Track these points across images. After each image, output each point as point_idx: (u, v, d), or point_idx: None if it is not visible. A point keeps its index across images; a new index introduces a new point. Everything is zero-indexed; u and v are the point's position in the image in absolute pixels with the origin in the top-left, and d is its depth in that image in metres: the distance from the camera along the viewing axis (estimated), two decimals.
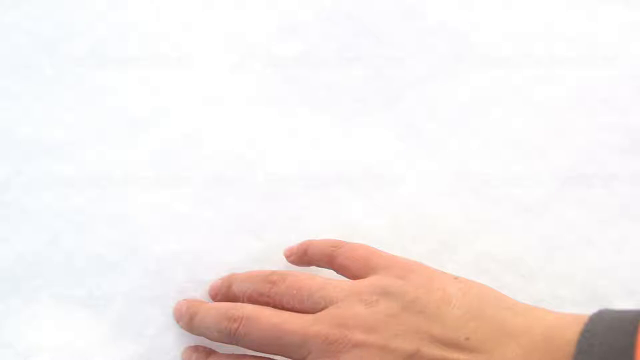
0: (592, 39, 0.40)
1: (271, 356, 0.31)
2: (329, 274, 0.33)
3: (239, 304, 0.32)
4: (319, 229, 0.36)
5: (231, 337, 0.31)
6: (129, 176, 0.37)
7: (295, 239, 0.35)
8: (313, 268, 0.34)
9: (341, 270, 0.33)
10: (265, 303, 0.32)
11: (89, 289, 0.36)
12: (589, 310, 0.26)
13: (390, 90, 0.39)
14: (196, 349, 0.34)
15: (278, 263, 0.36)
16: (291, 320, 0.30)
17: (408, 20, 0.40)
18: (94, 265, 0.36)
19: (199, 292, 0.36)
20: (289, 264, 0.35)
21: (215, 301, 0.35)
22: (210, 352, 0.34)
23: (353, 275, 0.32)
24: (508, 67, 0.39)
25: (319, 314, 0.30)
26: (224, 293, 0.34)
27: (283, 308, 0.31)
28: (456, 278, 0.30)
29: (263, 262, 0.36)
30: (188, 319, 0.34)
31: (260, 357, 0.32)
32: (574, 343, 0.25)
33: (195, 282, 0.36)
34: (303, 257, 0.35)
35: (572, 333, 0.25)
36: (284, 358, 0.30)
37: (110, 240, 0.36)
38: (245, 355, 0.32)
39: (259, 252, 0.36)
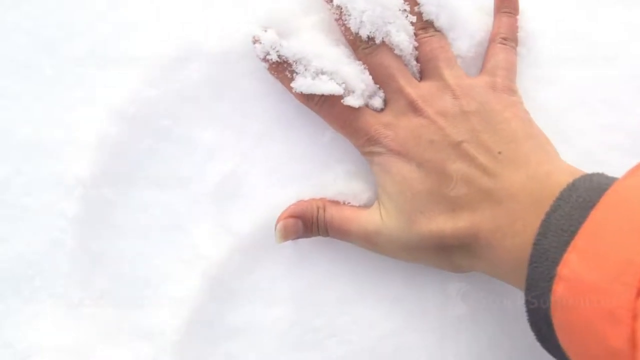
0: (592, 39, 0.40)
1: None
2: None
3: None
4: None
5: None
6: (129, 176, 0.37)
7: None
8: None
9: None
10: None
11: (89, 289, 0.36)
12: None
13: None
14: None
15: None
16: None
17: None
18: (94, 265, 0.36)
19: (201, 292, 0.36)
20: None
21: None
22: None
23: None
24: None
25: None
26: None
27: None
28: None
29: None
30: None
31: None
32: (560, 189, 0.29)
33: (196, 282, 0.36)
34: None
35: (564, 181, 0.29)
36: None
37: (111, 240, 0.36)
38: None
39: None
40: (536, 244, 0.28)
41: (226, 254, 0.36)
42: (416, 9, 0.36)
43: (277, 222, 0.35)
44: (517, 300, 0.37)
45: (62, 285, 0.36)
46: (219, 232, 0.37)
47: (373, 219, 0.35)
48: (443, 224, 0.32)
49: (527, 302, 0.29)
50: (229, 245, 0.36)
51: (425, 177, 0.33)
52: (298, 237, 0.36)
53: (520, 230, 0.29)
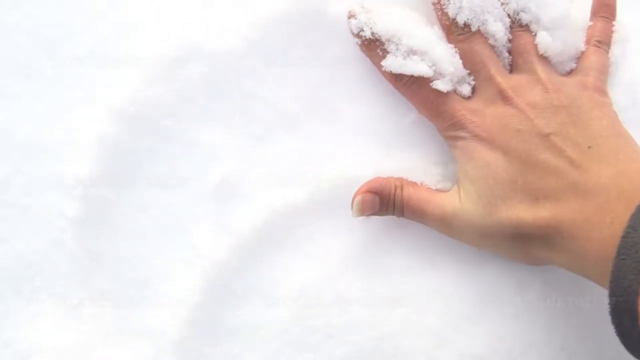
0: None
1: None
2: None
3: None
4: None
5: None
6: (129, 176, 0.37)
7: None
8: None
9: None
10: None
11: (89, 289, 0.36)
12: None
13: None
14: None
15: None
16: None
17: None
18: (94, 265, 0.36)
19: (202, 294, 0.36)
20: None
21: None
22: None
23: None
24: None
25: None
26: None
27: None
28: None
29: None
30: None
31: None
32: None
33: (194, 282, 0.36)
34: None
35: None
36: None
37: (111, 240, 0.36)
38: None
39: None
40: (625, 236, 0.28)
41: (226, 254, 0.36)
42: (514, 4, 0.37)
43: (355, 195, 0.36)
44: (517, 301, 0.37)
45: (62, 285, 0.36)
46: (219, 232, 0.37)
47: (451, 201, 0.35)
48: (524, 212, 0.32)
49: (611, 295, 0.28)
50: (229, 245, 0.36)
51: (509, 165, 0.33)
52: (373, 214, 0.36)
53: (609, 223, 0.30)
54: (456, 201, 0.35)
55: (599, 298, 0.36)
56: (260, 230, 0.37)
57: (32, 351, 0.35)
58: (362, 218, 0.37)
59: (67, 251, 0.36)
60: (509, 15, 0.37)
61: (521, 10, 0.37)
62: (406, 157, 0.38)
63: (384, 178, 0.37)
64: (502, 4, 0.36)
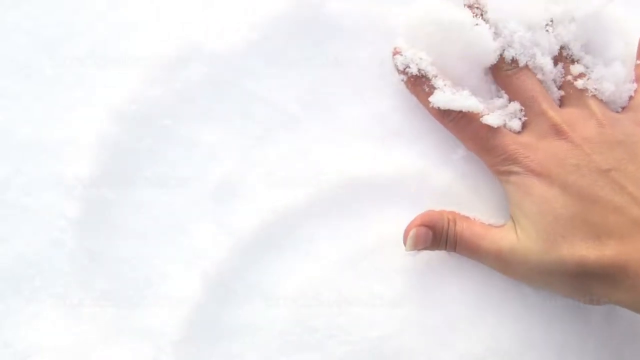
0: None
1: None
2: None
3: None
4: None
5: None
6: (129, 176, 0.37)
7: None
8: None
9: None
10: None
11: (89, 289, 0.36)
12: None
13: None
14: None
15: None
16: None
17: None
18: (94, 265, 0.36)
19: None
20: None
21: None
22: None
23: None
24: None
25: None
26: None
27: None
28: None
29: None
30: None
31: None
32: None
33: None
34: None
35: None
36: None
37: (111, 240, 0.36)
38: None
39: None
40: None
41: (226, 254, 0.36)
42: (565, 37, 0.36)
43: (408, 229, 0.35)
44: (517, 301, 0.37)
45: (62, 285, 0.36)
46: (219, 232, 0.37)
47: (508, 237, 0.34)
48: (586, 250, 0.32)
49: None
50: (229, 245, 0.36)
51: (569, 201, 0.33)
52: (425, 248, 0.35)
53: None
54: (513, 237, 0.34)
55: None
56: (260, 230, 0.37)
57: (32, 351, 0.35)
58: (365, 221, 0.37)
59: (67, 251, 0.36)
60: (561, 48, 0.36)
61: (572, 44, 0.36)
62: (406, 157, 0.38)
63: (437, 211, 0.36)
64: (548, 31, 0.36)
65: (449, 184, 0.37)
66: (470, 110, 0.35)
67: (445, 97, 0.35)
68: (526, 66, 0.36)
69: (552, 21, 0.36)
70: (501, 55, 0.36)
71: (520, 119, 0.36)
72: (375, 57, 0.38)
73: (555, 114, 0.34)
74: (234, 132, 0.38)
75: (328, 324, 0.36)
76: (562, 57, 0.36)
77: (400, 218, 0.37)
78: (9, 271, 0.36)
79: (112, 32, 0.38)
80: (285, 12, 0.38)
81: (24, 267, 0.36)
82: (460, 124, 0.36)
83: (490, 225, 0.36)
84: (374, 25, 0.38)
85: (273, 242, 0.36)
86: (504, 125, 0.35)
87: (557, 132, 0.34)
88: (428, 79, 0.36)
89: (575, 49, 0.36)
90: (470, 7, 0.36)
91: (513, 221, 0.35)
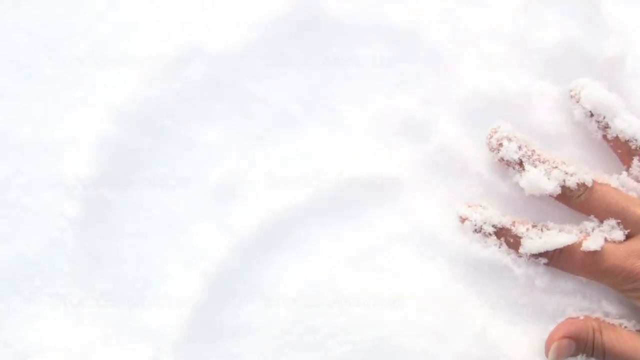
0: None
1: None
2: None
3: None
4: None
5: None
6: (129, 176, 0.37)
7: None
8: None
9: None
10: None
11: (89, 289, 0.36)
12: None
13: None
14: None
15: None
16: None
17: None
18: (94, 265, 0.36)
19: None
20: None
21: None
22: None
23: None
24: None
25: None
26: None
27: None
28: None
29: None
30: None
31: None
32: None
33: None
34: None
35: None
36: None
37: (111, 240, 0.36)
38: None
39: None
40: None
41: (226, 254, 0.36)
42: (630, 132, 0.35)
43: (550, 340, 0.34)
44: (516, 301, 0.37)
45: (62, 285, 0.36)
46: (219, 232, 0.37)
47: None
48: None
49: None
50: (229, 245, 0.36)
51: None
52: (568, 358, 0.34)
53: None
54: None
55: (600, 298, 0.36)
56: (260, 230, 0.37)
57: (32, 351, 0.35)
58: (365, 221, 0.37)
59: (67, 251, 0.36)
60: (626, 142, 0.35)
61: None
62: (406, 156, 0.38)
63: (580, 320, 0.34)
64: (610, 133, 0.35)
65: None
66: (566, 244, 0.34)
67: (534, 243, 0.34)
68: (594, 182, 0.34)
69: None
70: (563, 185, 0.34)
71: (619, 229, 0.34)
72: (375, 57, 0.38)
73: None
74: (233, 132, 0.38)
75: (328, 324, 0.36)
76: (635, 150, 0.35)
77: (401, 218, 0.37)
78: (9, 271, 0.36)
79: (112, 32, 0.38)
80: (285, 12, 0.38)
81: (24, 267, 0.36)
82: (562, 260, 0.34)
83: (637, 332, 0.34)
84: (374, 25, 0.38)
85: (273, 242, 0.36)
86: (605, 240, 0.34)
87: None
88: (508, 230, 0.35)
89: None
90: (522, 157, 0.35)
91: None
